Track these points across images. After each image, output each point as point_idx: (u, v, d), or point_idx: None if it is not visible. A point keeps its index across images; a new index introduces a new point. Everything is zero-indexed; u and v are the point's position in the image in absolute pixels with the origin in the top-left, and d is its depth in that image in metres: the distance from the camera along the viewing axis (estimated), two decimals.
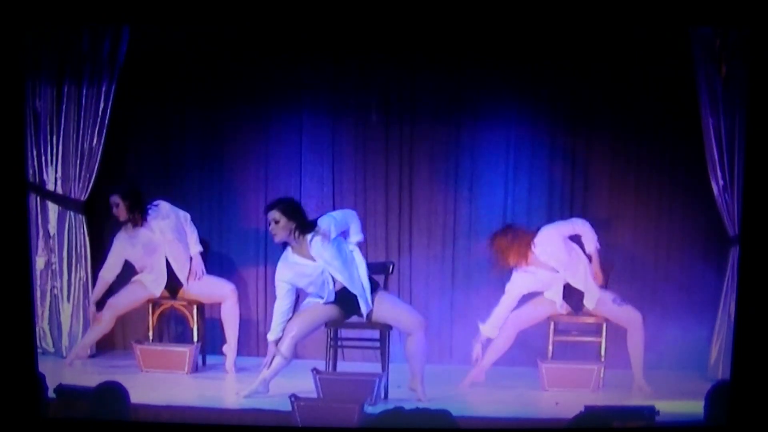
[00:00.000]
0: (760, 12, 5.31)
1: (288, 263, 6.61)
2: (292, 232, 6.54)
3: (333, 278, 6.59)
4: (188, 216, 7.54)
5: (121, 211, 7.39)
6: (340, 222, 6.65)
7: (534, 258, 7.03)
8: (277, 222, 6.51)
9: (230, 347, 7.45)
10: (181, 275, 7.46)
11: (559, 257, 7.02)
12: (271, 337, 6.65)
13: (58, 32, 7.56)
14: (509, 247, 7.03)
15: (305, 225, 6.56)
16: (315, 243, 6.54)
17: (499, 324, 7.07)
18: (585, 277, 7.04)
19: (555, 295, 7.07)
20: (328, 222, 6.61)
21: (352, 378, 6.49)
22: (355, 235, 6.70)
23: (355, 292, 6.61)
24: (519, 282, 7.10)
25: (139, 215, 7.40)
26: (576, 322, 7.26)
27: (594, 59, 7.67)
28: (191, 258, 7.49)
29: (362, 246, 6.83)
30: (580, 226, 7.09)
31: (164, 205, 7.49)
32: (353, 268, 6.61)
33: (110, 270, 7.48)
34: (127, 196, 7.41)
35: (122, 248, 7.47)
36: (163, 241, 7.42)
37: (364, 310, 6.64)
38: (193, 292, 7.50)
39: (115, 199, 7.39)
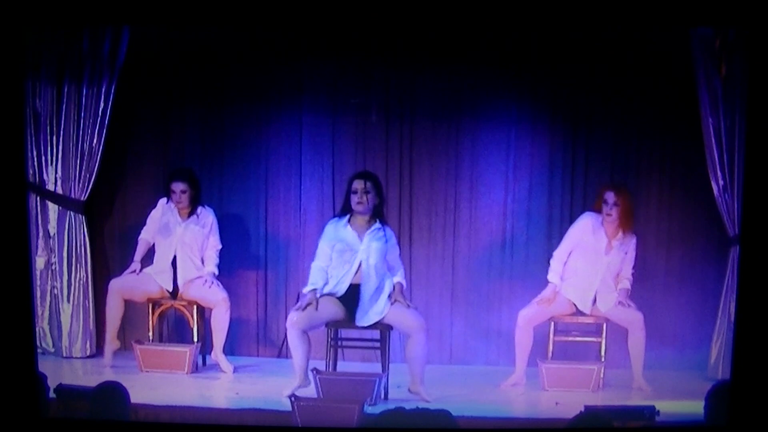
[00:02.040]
0: (760, 12, 5.31)
1: (338, 227, 6.75)
2: (375, 208, 6.73)
3: (358, 268, 6.67)
4: (219, 248, 7.56)
5: (185, 199, 7.43)
6: (395, 252, 6.86)
7: (621, 233, 7.10)
8: (368, 193, 6.70)
9: (217, 352, 7.46)
10: (181, 279, 7.47)
11: (629, 253, 7.15)
12: (306, 290, 6.75)
13: (58, 32, 7.56)
14: (630, 210, 7.13)
15: (382, 210, 6.81)
16: (375, 232, 6.70)
17: (560, 267, 7.18)
18: (614, 279, 7.17)
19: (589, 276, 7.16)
20: (394, 237, 6.89)
21: (352, 378, 6.49)
22: (402, 279, 6.84)
23: (363, 292, 6.66)
24: (583, 228, 7.17)
25: (194, 206, 7.48)
26: (576, 322, 7.27)
27: (594, 59, 7.67)
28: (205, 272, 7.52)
29: None
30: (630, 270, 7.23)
31: (210, 214, 7.56)
32: (374, 278, 6.67)
33: (148, 231, 7.54)
34: (195, 184, 7.48)
35: (156, 213, 7.52)
36: (179, 239, 7.45)
37: (358, 320, 6.69)
38: (189, 293, 7.50)
39: (182, 186, 7.41)
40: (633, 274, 7.23)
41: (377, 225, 6.75)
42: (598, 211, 7.16)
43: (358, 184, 6.72)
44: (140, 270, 7.48)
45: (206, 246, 7.54)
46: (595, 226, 7.15)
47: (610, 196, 7.10)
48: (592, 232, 7.14)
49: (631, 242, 7.18)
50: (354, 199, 6.71)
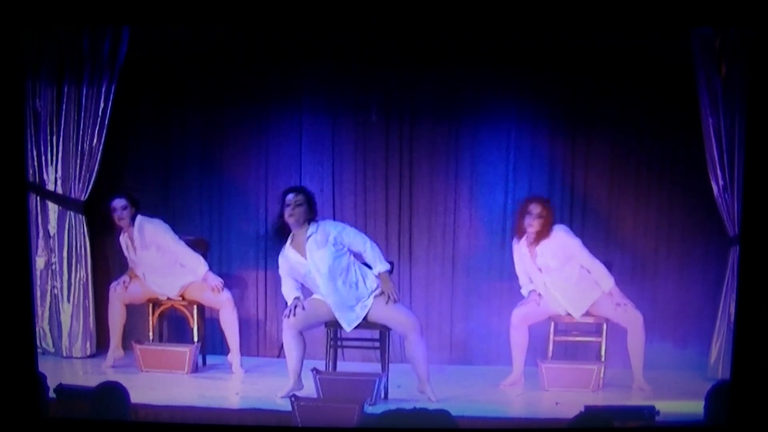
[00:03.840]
0: (761, 12, 5.32)
1: (285, 257, 6.68)
2: (305, 216, 6.60)
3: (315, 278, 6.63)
4: (191, 256, 7.40)
5: (125, 217, 7.34)
6: (350, 235, 6.65)
7: (543, 242, 7.06)
8: (300, 205, 6.59)
9: (234, 354, 7.44)
10: (178, 286, 7.43)
11: (558, 247, 7.06)
12: (287, 297, 6.71)
13: (58, 32, 7.56)
14: (548, 218, 7.06)
15: (313, 216, 6.65)
16: (311, 241, 6.59)
17: (526, 280, 7.19)
18: (572, 290, 7.11)
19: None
20: (334, 227, 6.67)
21: (352, 378, 6.49)
22: (379, 265, 6.65)
23: (328, 302, 6.60)
24: (516, 258, 7.23)
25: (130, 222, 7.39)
26: (576, 322, 7.27)
27: (594, 59, 7.66)
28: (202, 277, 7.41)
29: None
30: (601, 271, 7.11)
31: (154, 231, 7.37)
32: (337, 281, 6.59)
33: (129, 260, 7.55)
34: (135, 202, 7.41)
35: (122, 245, 7.50)
36: (147, 265, 7.40)
37: (345, 327, 6.64)
38: (191, 294, 7.49)
39: (122, 202, 7.35)
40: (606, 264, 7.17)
41: (311, 229, 6.61)
42: (520, 231, 7.13)
43: (293, 197, 6.61)
44: (130, 281, 7.46)
45: (176, 259, 7.41)
46: (521, 253, 7.18)
47: (534, 208, 7.06)
48: (521, 258, 7.19)
49: (554, 237, 7.09)
50: (287, 211, 6.60)
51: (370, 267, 6.70)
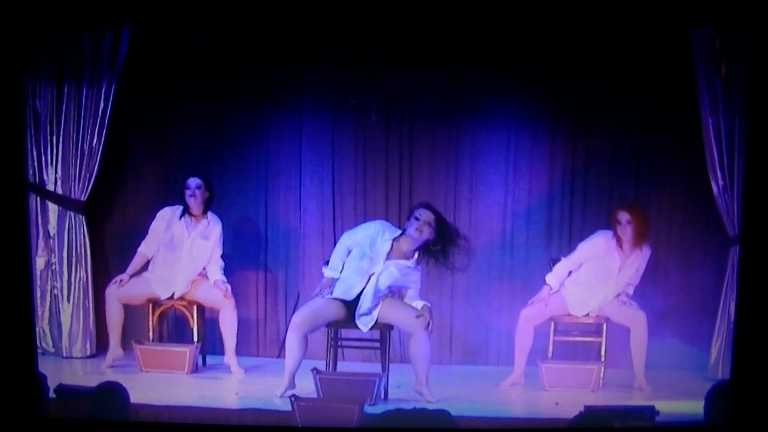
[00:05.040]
0: (760, 12, 5.32)
1: (376, 245, 6.66)
2: (428, 241, 6.64)
3: (369, 277, 6.64)
4: (222, 264, 7.47)
5: (199, 195, 7.37)
6: (417, 287, 6.74)
7: (635, 250, 7.06)
8: (429, 225, 6.63)
9: (230, 355, 7.43)
10: (184, 283, 7.43)
11: (639, 269, 7.14)
12: (327, 273, 6.75)
13: (58, 32, 7.56)
14: (645, 226, 7.07)
15: (432, 248, 6.70)
16: (404, 263, 6.64)
17: (563, 274, 7.14)
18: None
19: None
20: (419, 279, 6.74)
21: (352, 378, 6.49)
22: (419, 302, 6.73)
23: (349, 303, 6.65)
24: (594, 247, 7.13)
25: (206, 209, 7.42)
26: (576, 322, 7.27)
27: (594, 59, 7.66)
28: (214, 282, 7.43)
29: None
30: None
31: (217, 225, 7.47)
32: (376, 295, 6.61)
33: (149, 246, 7.47)
34: (209, 184, 7.44)
35: (159, 227, 7.43)
36: (186, 253, 7.40)
37: (363, 328, 6.68)
38: (195, 291, 7.48)
39: (197, 182, 7.38)
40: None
41: (414, 259, 6.67)
42: (614, 229, 7.10)
43: (426, 213, 6.67)
44: (128, 280, 7.42)
45: (211, 259, 7.47)
46: (607, 248, 7.10)
47: (623, 216, 7.04)
48: (604, 252, 7.11)
49: (644, 256, 7.14)
50: (413, 224, 6.65)
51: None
